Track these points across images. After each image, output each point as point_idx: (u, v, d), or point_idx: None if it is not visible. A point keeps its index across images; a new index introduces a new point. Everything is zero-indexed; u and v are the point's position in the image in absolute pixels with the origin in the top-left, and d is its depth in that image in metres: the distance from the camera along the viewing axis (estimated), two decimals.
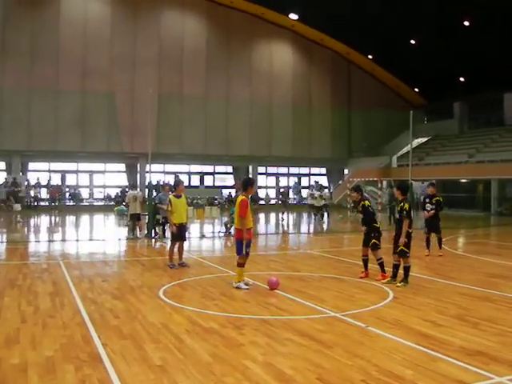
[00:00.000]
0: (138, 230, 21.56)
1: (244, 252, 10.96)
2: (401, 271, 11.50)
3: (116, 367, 6.31)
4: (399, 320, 8.55)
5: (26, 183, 41.51)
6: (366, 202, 12.44)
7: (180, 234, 13.78)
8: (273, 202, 49.79)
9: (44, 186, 43.02)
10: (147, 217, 21.92)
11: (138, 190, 24.45)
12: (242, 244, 10.96)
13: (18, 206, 30.15)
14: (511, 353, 6.96)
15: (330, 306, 9.39)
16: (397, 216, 11.84)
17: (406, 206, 11.55)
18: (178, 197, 13.84)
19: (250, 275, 12.42)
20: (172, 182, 25.19)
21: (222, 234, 22.40)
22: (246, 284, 11.05)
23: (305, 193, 48.49)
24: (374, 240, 12.12)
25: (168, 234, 18.74)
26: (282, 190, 32.92)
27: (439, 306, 9.61)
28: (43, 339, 7.47)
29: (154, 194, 24.53)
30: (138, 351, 6.96)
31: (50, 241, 21.45)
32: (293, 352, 6.96)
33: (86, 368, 6.30)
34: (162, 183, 23.15)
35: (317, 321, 8.54)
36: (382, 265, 12.10)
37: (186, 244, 14.90)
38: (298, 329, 8.02)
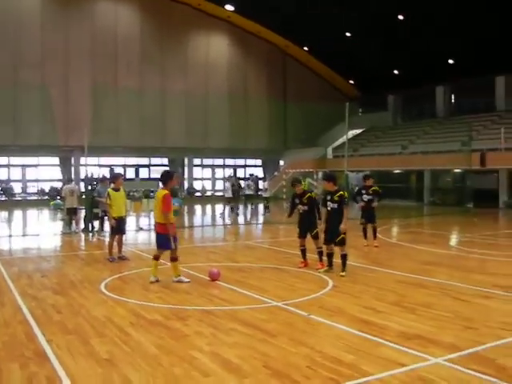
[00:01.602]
0: (74, 224, 21.28)
1: (172, 246, 10.80)
2: (337, 260, 11.72)
3: (63, 363, 6.27)
4: (340, 308, 8.77)
5: None
6: (313, 194, 12.66)
7: (119, 227, 13.72)
8: (208, 193, 49.87)
9: None
10: (84, 211, 21.65)
11: (74, 183, 24.00)
12: (168, 239, 10.75)
13: None
14: (447, 336, 7.26)
15: (271, 296, 9.53)
16: (330, 207, 11.78)
17: (346, 193, 11.79)
18: (117, 190, 13.77)
19: (190, 267, 12.52)
20: (109, 175, 24.95)
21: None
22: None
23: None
24: (316, 230, 12.33)
25: (106, 227, 18.57)
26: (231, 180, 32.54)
27: (378, 293, 9.88)
28: None
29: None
30: (84, 346, 6.93)
31: None
32: (238, 341, 7.07)
33: (32, 365, 6.24)
34: (101, 176, 22.85)
35: (260, 310, 8.67)
36: (321, 254, 12.32)
37: (124, 237, 14.81)
38: (242, 319, 8.13)
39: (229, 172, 53.27)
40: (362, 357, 6.38)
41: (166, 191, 10.84)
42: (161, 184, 11.14)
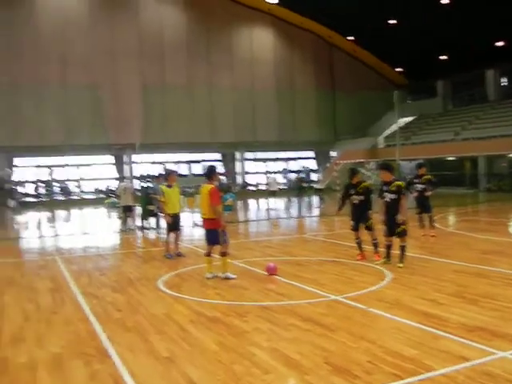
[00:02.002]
0: (130, 221, 21.56)
1: (223, 241, 10.80)
2: (395, 251, 11.56)
3: (124, 360, 6.36)
4: (399, 300, 8.64)
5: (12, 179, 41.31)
6: (367, 183, 12.51)
7: (175, 224, 13.81)
8: (262, 187, 49.85)
9: (33, 182, 42.89)
10: (140, 208, 21.91)
11: (128, 181, 24.34)
12: (218, 233, 10.78)
13: (11, 202, 29.81)
14: (511, 328, 7.08)
15: (329, 290, 9.47)
16: (388, 198, 11.51)
17: (402, 184, 11.60)
18: (170, 187, 13.85)
19: (247, 261, 12.56)
20: (162, 173, 25.17)
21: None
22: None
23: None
24: (370, 220, 12.20)
25: (162, 224, 18.74)
26: (297, 174, 32.16)
27: (437, 284, 9.71)
28: (48, 336, 7.50)
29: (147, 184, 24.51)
30: (144, 343, 7.01)
31: (43, 236, 21.38)
32: (297, 337, 7.04)
33: (95, 363, 6.34)
34: (157, 174, 23.13)
35: (318, 305, 8.62)
36: (376, 245, 12.20)
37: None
38: (300, 313, 8.09)
39: (283, 165, 53.35)
40: (424, 351, 6.27)
41: (212, 185, 10.85)
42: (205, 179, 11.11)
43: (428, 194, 16.13)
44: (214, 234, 10.85)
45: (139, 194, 22.92)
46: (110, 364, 6.30)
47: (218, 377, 5.77)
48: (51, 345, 7.10)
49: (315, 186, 32.04)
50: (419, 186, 16.20)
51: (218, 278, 10.79)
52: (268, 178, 32.34)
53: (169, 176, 14.19)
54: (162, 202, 13.74)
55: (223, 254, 10.83)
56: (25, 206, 37.86)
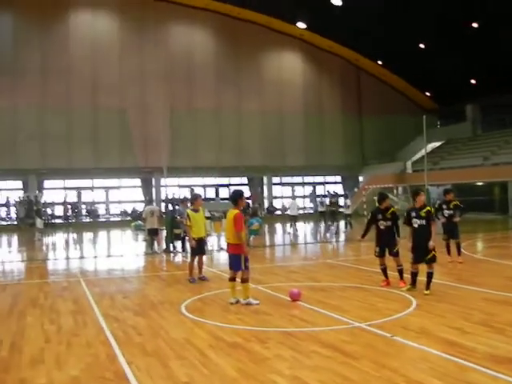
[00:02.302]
0: (156, 244, 21.59)
1: (243, 267, 10.66)
2: (423, 278, 11.36)
3: None
4: (424, 328, 8.45)
5: (43, 201, 41.76)
6: (395, 209, 12.38)
7: (200, 248, 13.76)
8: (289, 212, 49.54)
9: (60, 204, 43.31)
10: (165, 231, 21.92)
11: (155, 204, 24.43)
12: (240, 259, 10.66)
13: (40, 223, 30.10)
14: None
15: (353, 316, 9.31)
16: (417, 223, 11.32)
17: (432, 209, 11.44)
18: (196, 211, 13.81)
19: (271, 287, 12.43)
20: (188, 196, 25.28)
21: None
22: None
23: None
24: (397, 247, 12.04)
25: (187, 248, 18.74)
26: (329, 198, 31.73)
27: (464, 312, 9.50)
28: (68, 358, 7.46)
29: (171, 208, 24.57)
30: (164, 368, 6.93)
31: (69, 258, 21.50)
32: (319, 364, 6.90)
33: None
34: (182, 197, 23.25)
35: (341, 332, 8.47)
36: (401, 272, 12.02)
37: (205, 258, 14.86)
38: (323, 340, 7.95)
39: (308, 190, 53.17)
40: (450, 382, 6.09)
41: (237, 211, 10.77)
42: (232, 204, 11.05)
43: (456, 219, 15.92)
44: (238, 260, 10.74)
45: (165, 217, 22.92)
46: None
47: None
48: (70, 367, 7.06)
49: (343, 211, 31.50)
50: (447, 212, 15.98)
51: (240, 303, 10.68)
52: (289, 202, 32.16)
53: (195, 200, 14.16)
54: (188, 226, 13.71)
55: (245, 281, 10.70)
56: (53, 228, 38.23)
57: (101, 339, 8.43)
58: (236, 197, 11.08)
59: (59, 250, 25.58)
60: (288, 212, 31.99)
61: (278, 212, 48.41)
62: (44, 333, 8.91)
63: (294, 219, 30.48)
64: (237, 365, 6.98)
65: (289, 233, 30.40)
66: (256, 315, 9.77)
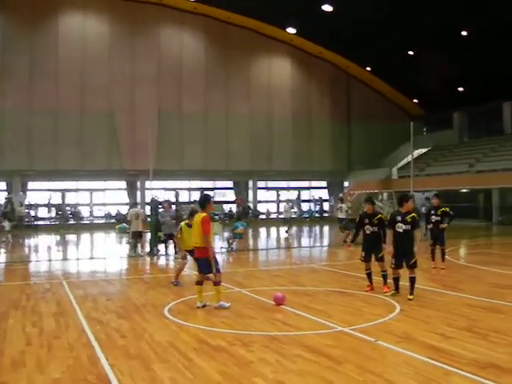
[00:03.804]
0: (139, 247, 21.49)
1: (214, 270, 10.57)
2: (404, 283, 11.38)
3: None
4: (408, 333, 8.46)
5: (26, 202, 41.49)
6: (382, 215, 12.38)
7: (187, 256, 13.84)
8: (273, 216, 49.62)
9: (44, 206, 43.06)
10: (150, 234, 21.85)
11: (139, 207, 24.31)
12: (209, 262, 10.55)
13: (7, 225, 30.03)
14: None
15: (337, 321, 9.30)
16: (402, 228, 11.32)
17: (416, 216, 11.45)
18: (190, 226, 13.77)
19: (255, 291, 12.41)
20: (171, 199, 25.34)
21: (224, 250, 22.32)
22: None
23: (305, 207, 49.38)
24: (383, 252, 12.05)
25: (170, 251, 18.75)
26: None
27: (447, 318, 9.52)
28: (50, 361, 7.38)
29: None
30: (147, 372, 6.88)
31: (52, 260, 21.31)
32: (303, 368, 6.88)
33: None
34: (164, 200, 23.27)
35: (325, 336, 8.45)
36: (385, 277, 12.04)
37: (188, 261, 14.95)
38: (307, 344, 7.93)
39: (294, 194, 53.18)
40: None
41: (205, 214, 10.75)
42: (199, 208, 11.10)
43: (443, 226, 15.99)
44: (205, 263, 10.63)
45: (150, 220, 22.84)
46: None
47: None
48: (52, 370, 6.98)
49: (338, 215, 30.62)
50: (434, 218, 16.05)
51: (206, 307, 10.65)
52: (285, 205, 32.24)
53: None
54: (178, 238, 13.82)
55: (217, 284, 10.62)
56: (35, 230, 37.98)
57: (83, 342, 8.35)
58: (204, 201, 11.14)
59: (42, 252, 25.32)
60: (282, 216, 32.05)
61: (263, 216, 48.42)
62: (25, 335, 8.81)
63: (287, 222, 30.68)
64: (221, 368, 6.93)
65: (288, 235, 30.42)
66: (240, 319, 9.72)
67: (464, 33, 38.82)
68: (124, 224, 28.97)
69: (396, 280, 11.58)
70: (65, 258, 21.97)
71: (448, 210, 16.32)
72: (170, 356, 7.53)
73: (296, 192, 53.65)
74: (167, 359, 7.39)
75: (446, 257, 16.55)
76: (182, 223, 14.12)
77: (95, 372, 6.89)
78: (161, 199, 25.59)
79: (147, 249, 21.68)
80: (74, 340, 8.45)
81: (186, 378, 6.63)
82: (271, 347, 7.85)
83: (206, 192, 13.37)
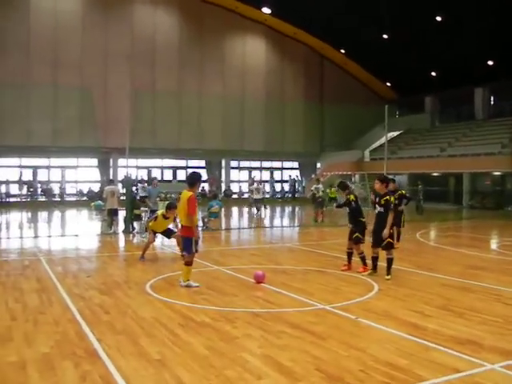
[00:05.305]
0: (115, 224, 21.50)
1: (194, 250, 10.59)
2: (383, 263, 11.63)
3: (115, 363, 6.34)
4: (387, 311, 8.71)
5: None
6: (351, 196, 12.53)
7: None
8: (246, 195, 49.72)
9: (15, 182, 42.59)
10: (125, 211, 21.85)
11: (116, 184, 24.32)
12: (191, 242, 10.52)
13: None
14: (499, 341, 7.19)
15: (317, 299, 9.51)
16: (377, 210, 11.72)
17: (392, 198, 11.67)
18: (167, 218, 14.00)
19: (234, 269, 12.57)
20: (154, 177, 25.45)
21: (199, 229, 22.39)
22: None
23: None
24: (356, 234, 12.24)
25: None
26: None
27: (424, 296, 9.80)
28: (37, 336, 7.45)
29: (134, 188, 24.64)
30: (134, 346, 6.99)
31: (25, 237, 21.13)
32: (288, 344, 7.06)
33: (85, 364, 6.32)
34: (152, 177, 23.50)
35: (307, 313, 8.66)
36: (363, 258, 12.24)
37: (166, 239, 15.59)
38: (290, 321, 8.11)
39: (266, 174, 53.31)
40: (415, 361, 6.33)
41: (192, 193, 10.54)
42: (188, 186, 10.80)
43: (401, 208, 16.38)
44: (188, 242, 10.62)
45: (125, 197, 22.80)
46: (100, 366, 6.28)
47: (211, 381, 5.78)
48: (40, 345, 7.05)
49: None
50: None
51: (206, 284, 10.77)
52: (255, 185, 32.36)
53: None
54: (151, 223, 14.46)
55: (188, 264, 10.60)
56: (7, 207, 37.59)
57: (68, 317, 8.42)
58: (194, 180, 10.79)
59: (14, 229, 25.08)
60: (254, 195, 32.08)
61: (235, 196, 48.57)
62: (9, 311, 8.84)
63: (259, 202, 30.83)
64: (207, 343, 7.08)
65: (257, 215, 30.62)
66: (222, 296, 9.86)
67: (438, 18, 39.12)
68: (99, 201, 28.80)
69: (374, 259, 11.82)
70: (40, 235, 21.78)
71: (404, 192, 17.28)
72: (157, 331, 7.65)
73: (268, 172, 53.77)
74: (154, 334, 7.51)
75: (420, 239, 16.90)
76: (159, 212, 14.49)
77: (83, 346, 6.98)
78: (133, 177, 25.65)
79: (123, 226, 21.68)
80: (59, 316, 8.51)
81: (174, 352, 6.76)
82: (255, 323, 8.02)
83: (195, 170, 13.23)
